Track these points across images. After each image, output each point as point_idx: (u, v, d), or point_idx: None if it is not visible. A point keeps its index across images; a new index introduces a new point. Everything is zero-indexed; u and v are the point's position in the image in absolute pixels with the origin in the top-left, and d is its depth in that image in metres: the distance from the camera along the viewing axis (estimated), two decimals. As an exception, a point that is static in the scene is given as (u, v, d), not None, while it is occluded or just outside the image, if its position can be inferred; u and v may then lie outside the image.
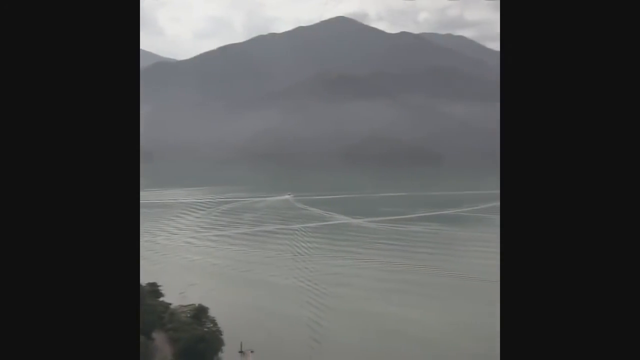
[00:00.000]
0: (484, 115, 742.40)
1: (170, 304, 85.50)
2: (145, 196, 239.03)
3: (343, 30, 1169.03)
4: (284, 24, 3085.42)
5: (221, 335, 78.12)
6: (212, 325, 79.49)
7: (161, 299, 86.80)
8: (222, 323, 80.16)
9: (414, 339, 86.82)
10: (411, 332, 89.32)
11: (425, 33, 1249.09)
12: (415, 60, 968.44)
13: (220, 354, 76.84)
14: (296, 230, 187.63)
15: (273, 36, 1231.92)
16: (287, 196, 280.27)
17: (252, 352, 77.87)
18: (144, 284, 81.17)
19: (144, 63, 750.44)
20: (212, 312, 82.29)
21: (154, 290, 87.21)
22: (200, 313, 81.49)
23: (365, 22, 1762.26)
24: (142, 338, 61.92)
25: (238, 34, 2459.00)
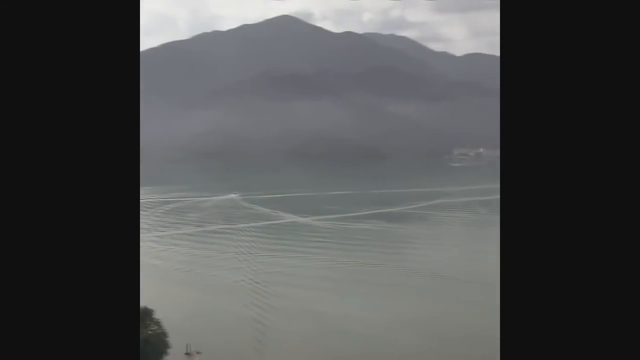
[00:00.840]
0: (427, 114, 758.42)
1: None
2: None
3: (288, 29, 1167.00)
4: (228, 22, 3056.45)
5: (166, 337, 76.65)
6: (156, 327, 77.86)
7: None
8: (165, 324, 78.57)
9: (359, 337, 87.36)
10: (356, 330, 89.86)
11: (369, 33, 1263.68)
12: (359, 60, 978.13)
13: (166, 357, 75.41)
14: (242, 229, 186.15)
15: (217, 34, 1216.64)
16: (232, 195, 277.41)
17: (198, 353, 76.69)
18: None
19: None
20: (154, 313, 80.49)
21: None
22: (144, 315, 79.60)
23: (310, 21, 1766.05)
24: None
25: (182, 32, 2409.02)
